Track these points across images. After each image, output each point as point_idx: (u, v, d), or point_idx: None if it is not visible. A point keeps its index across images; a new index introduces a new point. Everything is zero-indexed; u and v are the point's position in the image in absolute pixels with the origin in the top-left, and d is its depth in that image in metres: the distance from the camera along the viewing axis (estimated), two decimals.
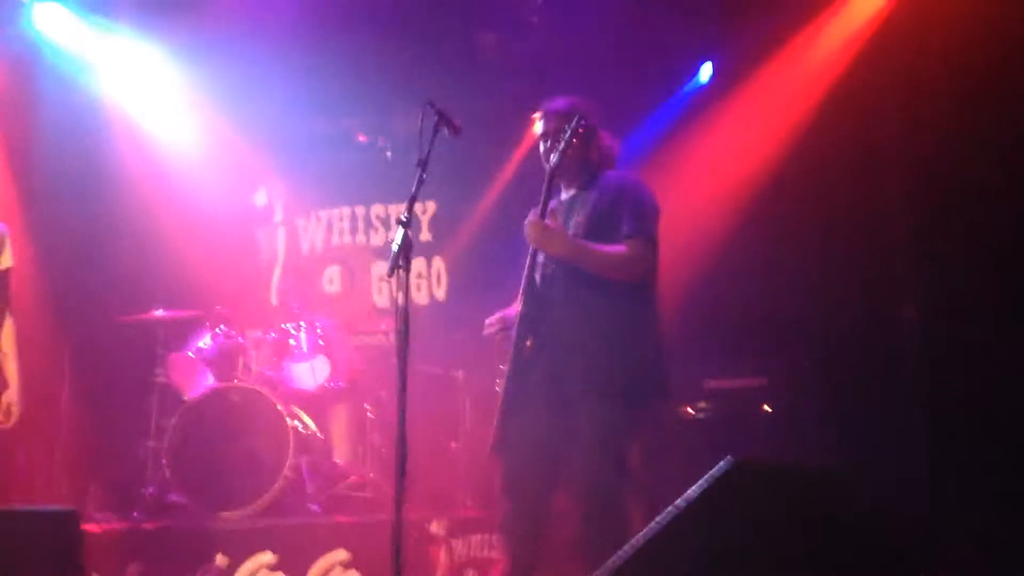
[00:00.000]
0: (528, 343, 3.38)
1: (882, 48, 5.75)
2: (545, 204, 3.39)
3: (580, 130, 3.44)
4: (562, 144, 3.42)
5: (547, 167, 3.56)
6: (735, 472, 2.11)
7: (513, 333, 3.45)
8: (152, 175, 6.67)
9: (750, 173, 6.20)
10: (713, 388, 5.56)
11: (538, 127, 3.72)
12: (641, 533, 2.22)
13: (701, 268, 6.09)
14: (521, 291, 3.48)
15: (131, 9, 6.06)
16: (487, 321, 3.65)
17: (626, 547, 2.20)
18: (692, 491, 2.17)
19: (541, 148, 3.65)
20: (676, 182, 6.42)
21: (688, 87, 6.80)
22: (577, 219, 3.49)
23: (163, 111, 6.80)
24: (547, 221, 3.40)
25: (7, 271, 3.71)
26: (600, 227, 3.43)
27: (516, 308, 3.50)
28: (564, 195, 3.70)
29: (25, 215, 6.05)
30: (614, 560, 2.18)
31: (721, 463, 2.13)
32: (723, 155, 6.40)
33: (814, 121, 5.99)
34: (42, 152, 6.20)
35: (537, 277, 3.48)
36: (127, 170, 6.58)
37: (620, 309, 3.43)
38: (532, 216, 3.42)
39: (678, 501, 2.19)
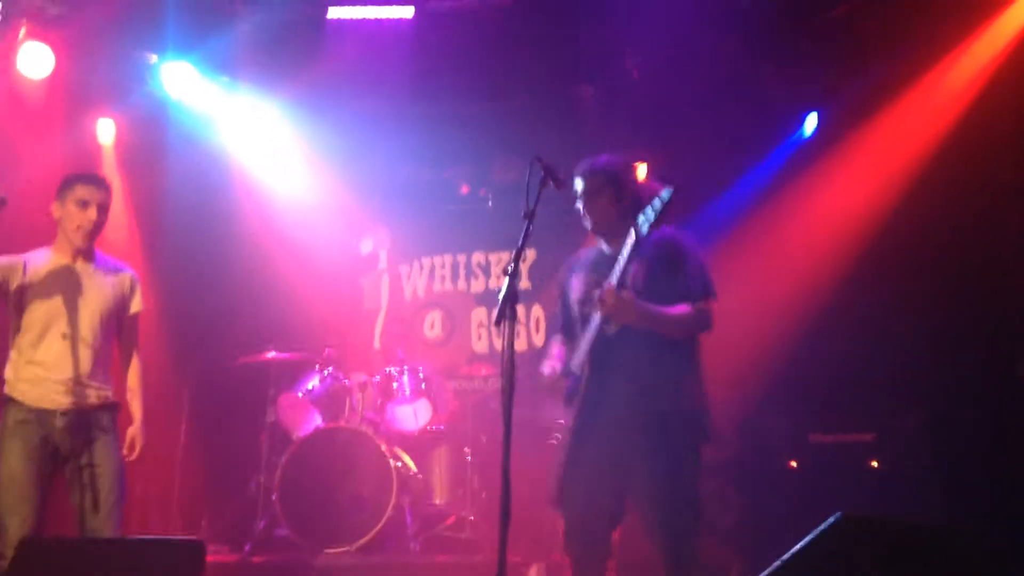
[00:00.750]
0: (588, 396, 3.45)
1: (998, 94, 5.57)
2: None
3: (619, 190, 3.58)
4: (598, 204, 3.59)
5: (588, 226, 3.66)
6: (844, 526, 2.11)
7: (572, 386, 3.52)
8: (266, 224, 6.99)
9: (857, 224, 6.10)
10: (818, 443, 5.46)
11: (577, 186, 3.71)
12: None
13: (806, 320, 6.02)
14: (587, 350, 3.50)
15: (251, 68, 6.40)
16: (547, 369, 3.70)
17: None
18: (799, 546, 2.17)
19: (579, 206, 3.69)
20: (780, 234, 6.42)
21: (792, 138, 6.79)
22: (634, 278, 3.49)
23: (277, 163, 7.13)
24: (622, 293, 3.38)
25: (136, 315, 3.96)
26: (657, 286, 3.47)
27: (577, 362, 3.55)
28: (606, 248, 3.70)
29: (149, 262, 6.42)
30: None
31: (830, 518, 2.14)
32: (829, 206, 6.34)
33: (924, 170, 5.85)
34: (165, 203, 6.58)
35: (594, 335, 3.48)
36: (243, 219, 6.92)
37: (680, 361, 3.52)
38: (608, 287, 3.38)
39: (785, 556, 2.20)
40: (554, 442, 3.60)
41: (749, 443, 5.51)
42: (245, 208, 6.96)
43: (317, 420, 5.97)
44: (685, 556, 3.33)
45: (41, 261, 3.77)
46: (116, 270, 3.94)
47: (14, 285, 3.67)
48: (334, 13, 6.17)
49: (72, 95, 6.27)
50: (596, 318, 3.46)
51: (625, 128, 6.72)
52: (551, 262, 7.35)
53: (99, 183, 3.84)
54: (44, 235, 3.92)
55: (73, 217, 3.75)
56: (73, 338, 3.70)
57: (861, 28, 5.65)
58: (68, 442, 3.65)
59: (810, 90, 6.39)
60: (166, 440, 6.33)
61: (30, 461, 3.56)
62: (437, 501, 6.02)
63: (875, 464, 5.28)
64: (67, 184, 3.80)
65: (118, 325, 3.91)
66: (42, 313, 3.69)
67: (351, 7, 6.09)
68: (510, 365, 3.04)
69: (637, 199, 3.52)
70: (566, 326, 3.79)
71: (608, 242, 3.68)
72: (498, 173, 7.53)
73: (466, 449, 6.07)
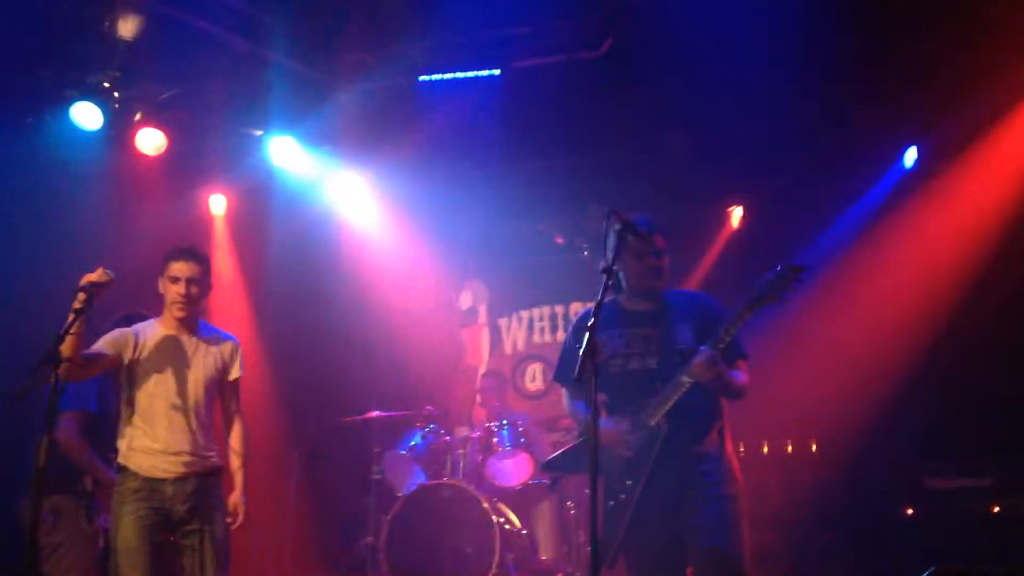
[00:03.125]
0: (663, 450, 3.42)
1: None
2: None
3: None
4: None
5: (659, 283, 3.60)
6: None
7: (643, 439, 3.47)
8: (367, 285, 7.18)
9: (963, 256, 5.90)
10: (933, 488, 5.21)
11: (661, 242, 3.61)
12: None
13: (915, 357, 5.81)
14: (655, 406, 3.46)
15: (349, 136, 6.64)
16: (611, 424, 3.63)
17: None
18: None
19: (658, 263, 3.60)
20: (886, 267, 6.24)
21: (893, 172, 6.63)
22: (682, 337, 3.46)
23: (376, 225, 7.34)
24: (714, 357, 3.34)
25: (236, 380, 4.12)
26: (698, 343, 3.41)
27: (654, 419, 3.49)
28: (628, 305, 3.64)
29: (259, 328, 6.69)
30: None
31: (925, 573, 2.05)
32: (935, 238, 6.15)
33: None
34: (272, 271, 6.85)
35: (673, 393, 3.42)
36: (345, 282, 7.13)
37: (721, 414, 3.57)
38: (711, 354, 3.32)
39: None
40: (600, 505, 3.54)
41: (859, 489, 5.29)
42: (346, 270, 7.18)
43: (421, 477, 6.04)
44: None
45: (149, 334, 3.97)
46: (219, 338, 4.11)
47: (127, 359, 3.87)
48: (425, 78, 6.41)
49: (184, 170, 6.64)
50: (680, 378, 3.39)
51: (719, 171, 6.67)
52: None
53: (192, 257, 3.99)
54: (161, 306, 4.13)
55: (169, 291, 3.95)
56: (182, 408, 3.87)
57: (955, 60, 5.50)
58: (179, 509, 3.80)
59: (908, 124, 6.23)
60: (278, 499, 6.51)
61: (144, 529, 3.72)
62: (543, 557, 5.98)
63: (996, 509, 5.00)
64: (164, 260, 4.00)
65: (220, 391, 4.08)
66: (151, 384, 3.86)
67: (440, 74, 6.28)
68: (595, 419, 3.03)
69: None
70: (583, 377, 3.70)
71: (647, 299, 3.63)
72: (593, 222, 7.55)
73: (569, 503, 6.03)
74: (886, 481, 5.44)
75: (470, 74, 6.21)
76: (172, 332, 3.98)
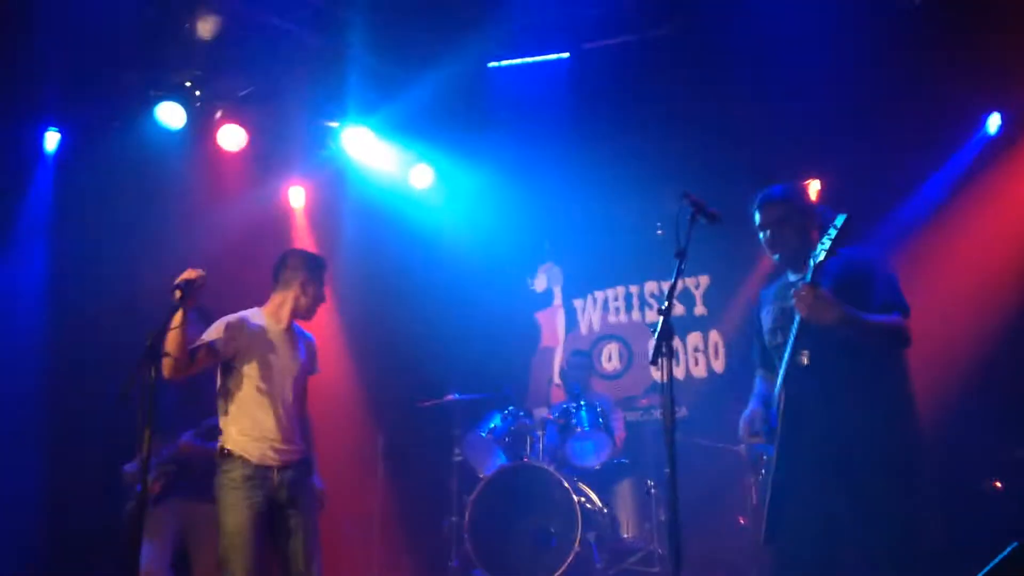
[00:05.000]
0: (785, 430, 3.36)
1: None
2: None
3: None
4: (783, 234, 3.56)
5: (774, 257, 3.63)
6: (1019, 557, 2.00)
7: (772, 419, 3.45)
8: (441, 270, 7.28)
9: None
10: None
11: (756, 218, 3.67)
12: None
13: (1001, 329, 5.66)
14: (781, 375, 3.43)
15: (422, 124, 6.73)
16: (741, 433, 3.66)
17: None
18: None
19: (762, 238, 3.65)
20: (968, 239, 6.09)
21: (975, 139, 6.45)
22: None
23: (449, 211, 7.44)
24: (819, 289, 3.26)
25: (308, 376, 4.29)
26: (846, 300, 3.31)
27: (774, 394, 3.48)
28: (793, 277, 3.64)
29: (341, 317, 6.85)
30: None
31: (1008, 548, 2.03)
32: (1020, 207, 5.97)
33: None
34: (350, 260, 7.00)
35: (792, 356, 3.38)
36: (419, 268, 7.25)
37: (888, 383, 3.37)
38: (805, 286, 3.29)
39: None
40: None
41: (946, 458, 5.19)
42: (422, 257, 7.29)
43: (501, 458, 6.14)
44: None
45: (255, 324, 4.11)
46: (304, 336, 4.30)
47: (232, 347, 4.00)
48: (494, 64, 6.47)
49: (264, 165, 6.83)
50: (789, 347, 3.39)
51: (795, 145, 6.57)
52: (727, 287, 7.27)
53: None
54: (245, 298, 4.30)
55: (318, 300, 4.19)
56: (283, 399, 4.04)
57: None
58: (282, 495, 3.96)
59: (990, 90, 6.04)
60: (365, 482, 6.69)
61: (256, 516, 3.86)
62: (624, 535, 6.03)
63: None
64: (319, 267, 4.24)
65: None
66: (258, 373, 4.01)
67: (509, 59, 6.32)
68: (669, 403, 3.05)
69: (818, 223, 3.50)
70: (764, 358, 3.74)
71: (795, 270, 3.63)
72: (666, 201, 7.51)
73: (649, 482, 6.05)
74: (975, 451, 5.33)
75: (539, 58, 6.24)
76: (277, 327, 4.14)
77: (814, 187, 7.10)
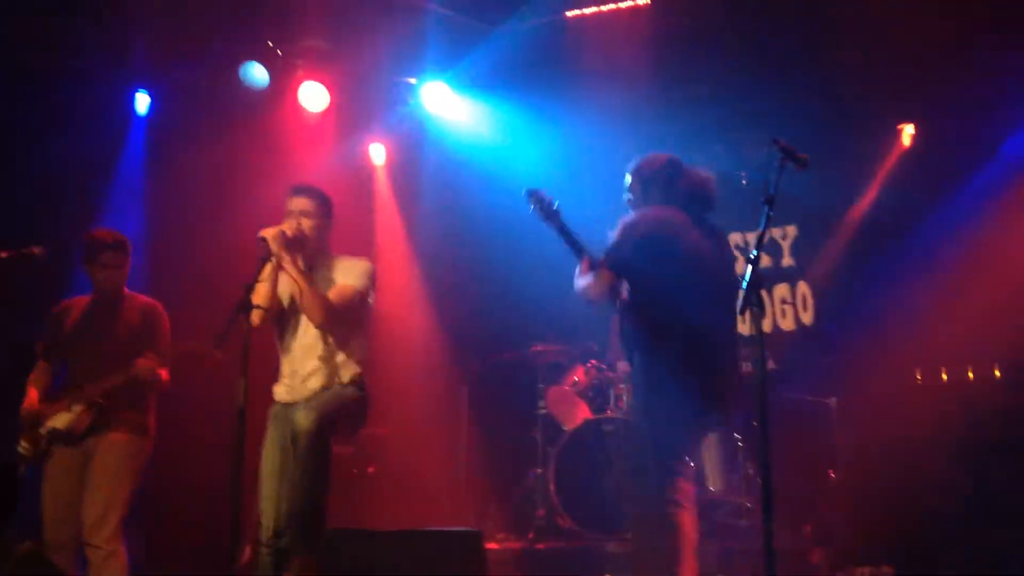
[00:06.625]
0: None
1: None
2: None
3: None
4: None
5: None
6: None
7: None
8: (521, 222, 7.24)
9: None
10: None
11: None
12: None
13: None
14: None
15: (500, 78, 6.69)
16: None
17: None
18: None
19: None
20: None
21: None
22: None
23: (529, 163, 7.38)
24: None
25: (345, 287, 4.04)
26: None
27: None
28: None
29: (423, 271, 6.91)
30: None
31: None
32: None
33: None
34: (431, 215, 7.04)
35: None
36: (499, 221, 7.22)
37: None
38: None
39: None
40: None
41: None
42: (502, 210, 7.27)
43: (585, 411, 6.14)
44: None
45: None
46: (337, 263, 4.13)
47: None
48: (573, 13, 6.35)
49: (345, 122, 6.90)
50: None
51: (887, 88, 6.32)
52: (815, 237, 7.08)
53: (302, 192, 4.03)
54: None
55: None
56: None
57: None
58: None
59: None
60: (451, 434, 6.79)
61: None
62: (711, 488, 5.99)
63: None
64: None
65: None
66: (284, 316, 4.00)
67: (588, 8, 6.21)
68: (760, 354, 2.99)
69: None
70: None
71: None
72: (750, 149, 7.32)
73: (737, 435, 5.99)
74: None
75: (619, 5, 6.11)
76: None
77: (908, 131, 6.84)
